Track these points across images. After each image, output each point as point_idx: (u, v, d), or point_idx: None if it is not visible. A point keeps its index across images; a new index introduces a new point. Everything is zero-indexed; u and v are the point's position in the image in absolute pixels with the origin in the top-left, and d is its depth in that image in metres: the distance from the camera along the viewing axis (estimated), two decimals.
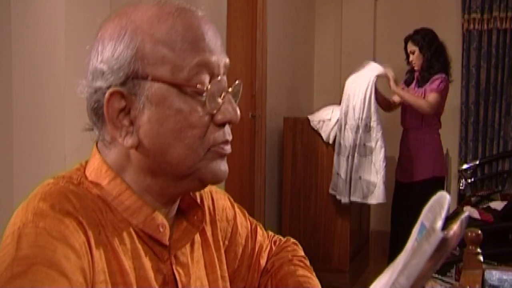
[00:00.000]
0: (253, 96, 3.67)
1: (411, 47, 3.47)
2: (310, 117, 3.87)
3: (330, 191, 3.70)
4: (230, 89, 0.77)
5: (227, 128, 0.76)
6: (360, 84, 3.51)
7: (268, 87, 3.78)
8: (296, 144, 3.93)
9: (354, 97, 3.51)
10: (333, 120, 3.73)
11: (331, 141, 3.75)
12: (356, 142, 3.51)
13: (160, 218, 0.76)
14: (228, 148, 0.76)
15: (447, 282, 2.19)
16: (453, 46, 4.37)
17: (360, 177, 3.52)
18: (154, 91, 0.71)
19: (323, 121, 3.77)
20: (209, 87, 0.72)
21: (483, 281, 1.52)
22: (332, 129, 3.73)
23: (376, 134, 3.47)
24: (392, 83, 3.42)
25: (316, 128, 3.81)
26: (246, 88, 3.51)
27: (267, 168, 3.82)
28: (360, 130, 3.49)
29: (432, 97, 3.34)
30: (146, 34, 0.71)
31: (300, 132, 3.91)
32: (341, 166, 3.57)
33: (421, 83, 3.45)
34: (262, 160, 3.75)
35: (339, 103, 3.67)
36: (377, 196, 3.48)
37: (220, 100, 0.74)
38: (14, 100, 1.89)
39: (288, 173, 3.96)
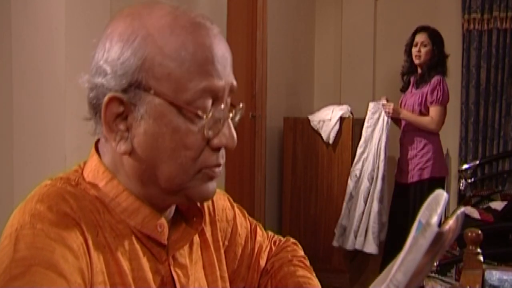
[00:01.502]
0: (253, 96, 3.67)
1: (425, 38, 3.38)
2: (310, 117, 3.87)
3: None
4: (231, 115, 0.75)
5: (222, 152, 0.75)
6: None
7: (268, 87, 3.77)
8: (296, 144, 3.93)
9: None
10: (333, 120, 3.72)
11: (331, 141, 3.75)
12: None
13: (158, 217, 0.76)
14: (218, 171, 0.75)
15: (447, 282, 2.18)
16: (453, 46, 4.36)
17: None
18: (154, 106, 0.69)
19: (323, 121, 3.77)
20: (210, 115, 0.71)
21: (483, 281, 1.52)
22: (332, 129, 3.73)
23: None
24: (392, 111, 3.43)
25: (316, 128, 3.82)
26: (246, 88, 3.51)
27: (267, 168, 3.82)
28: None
29: (435, 112, 3.32)
30: (155, 46, 0.69)
31: (300, 132, 3.91)
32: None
33: (419, 83, 3.42)
34: (262, 160, 3.74)
35: (339, 103, 3.66)
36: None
37: (219, 126, 0.73)
38: (15, 100, 1.89)
39: (288, 173, 3.95)
